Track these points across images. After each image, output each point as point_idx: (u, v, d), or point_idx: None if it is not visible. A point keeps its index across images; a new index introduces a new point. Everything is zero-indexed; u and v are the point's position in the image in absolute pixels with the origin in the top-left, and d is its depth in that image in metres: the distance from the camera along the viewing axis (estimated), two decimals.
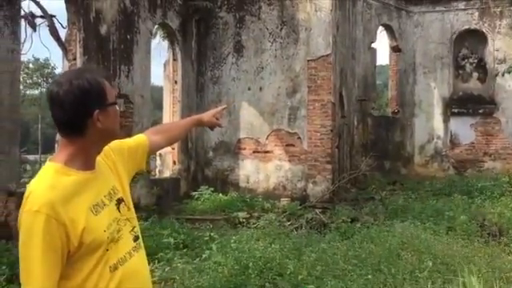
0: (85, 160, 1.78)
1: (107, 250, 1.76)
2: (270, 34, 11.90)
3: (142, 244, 1.95)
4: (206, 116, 2.49)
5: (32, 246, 1.63)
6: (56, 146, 10.06)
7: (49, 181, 1.70)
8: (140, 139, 2.16)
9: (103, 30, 9.48)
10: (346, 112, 12.89)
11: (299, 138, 11.65)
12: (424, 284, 5.27)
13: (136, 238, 1.91)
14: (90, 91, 1.73)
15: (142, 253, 1.94)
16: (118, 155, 1.98)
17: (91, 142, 1.77)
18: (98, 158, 1.85)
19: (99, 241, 1.73)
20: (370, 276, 5.21)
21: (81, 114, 1.72)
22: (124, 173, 1.98)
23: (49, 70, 36.60)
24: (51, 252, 1.64)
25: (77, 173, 1.75)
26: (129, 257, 1.83)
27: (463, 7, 15.40)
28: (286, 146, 11.72)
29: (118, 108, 1.86)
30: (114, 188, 1.88)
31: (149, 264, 2.04)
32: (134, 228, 1.92)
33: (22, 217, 1.68)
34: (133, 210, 1.96)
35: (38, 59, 36.64)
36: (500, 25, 15.02)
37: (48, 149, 26.57)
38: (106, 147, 1.90)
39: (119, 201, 1.88)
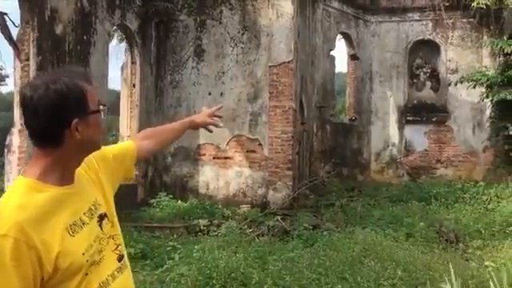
0: (61, 174, 1.58)
1: (87, 274, 1.57)
2: (232, 38, 11.77)
3: (127, 263, 1.77)
4: (199, 117, 2.38)
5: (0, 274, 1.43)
6: (5, 151, 9.53)
7: (18, 199, 1.49)
8: (127, 145, 2.02)
9: (58, 29, 9.08)
10: (306, 119, 12.94)
11: (260, 144, 11.57)
12: None
13: (120, 258, 1.73)
14: (68, 97, 1.52)
15: (127, 273, 1.76)
16: (101, 164, 1.79)
17: (68, 154, 1.57)
18: (79, 169, 1.65)
19: (77, 265, 1.54)
20: (339, 286, 5.16)
21: (57, 123, 1.52)
22: (108, 184, 1.80)
23: None
24: (21, 280, 1.43)
25: (52, 188, 1.55)
26: (111, 280, 1.65)
27: (418, 18, 15.84)
28: (247, 152, 11.60)
29: (102, 116, 1.66)
30: (96, 203, 1.69)
31: None
32: (118, 246, 1.73)
33: None
34: (117, 225, 1.78)
35: None
36: (452, 36, 15.54)
37: None
38: (89, 156, 1.69)
39: (101, 217, 1.69)
